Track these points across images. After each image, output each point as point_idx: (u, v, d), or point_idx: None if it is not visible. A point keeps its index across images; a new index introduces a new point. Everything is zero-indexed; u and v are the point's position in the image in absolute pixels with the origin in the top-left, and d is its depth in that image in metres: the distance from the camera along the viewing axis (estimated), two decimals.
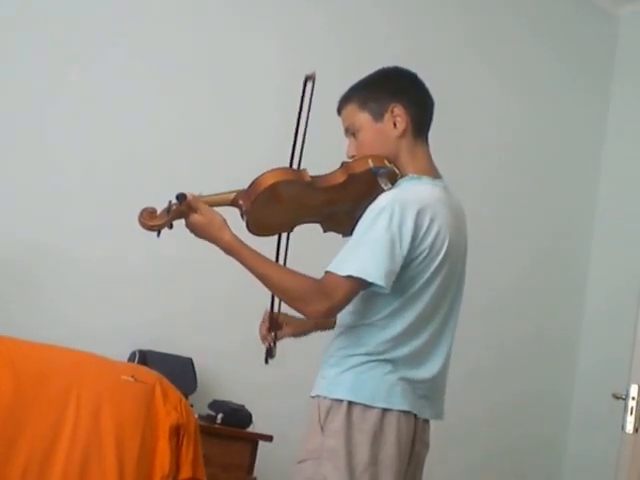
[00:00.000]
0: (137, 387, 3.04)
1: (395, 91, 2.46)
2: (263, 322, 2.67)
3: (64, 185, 3.84)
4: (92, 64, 3.94)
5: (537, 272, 5.15)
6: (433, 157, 2.51)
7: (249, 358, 4.09)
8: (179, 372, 3.69)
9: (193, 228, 2.38)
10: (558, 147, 5.28)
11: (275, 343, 2.66)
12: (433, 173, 2.46)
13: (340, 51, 4.47)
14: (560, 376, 5.16)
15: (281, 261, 2.52)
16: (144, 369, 3.28)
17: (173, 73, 4.13)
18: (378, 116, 2.44)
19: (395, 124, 2.44)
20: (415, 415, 2.36)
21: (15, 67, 3.79)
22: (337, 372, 2.34)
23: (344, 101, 2.51)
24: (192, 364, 3.86)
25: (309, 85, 2.49)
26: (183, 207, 2.35)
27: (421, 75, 2.54)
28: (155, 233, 2.37)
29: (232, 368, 4.10)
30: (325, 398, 2.33)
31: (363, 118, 2.45)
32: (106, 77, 3.96)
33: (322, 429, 2.30)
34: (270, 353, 2.66)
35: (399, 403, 2.31)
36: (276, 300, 2.59)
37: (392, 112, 2.44)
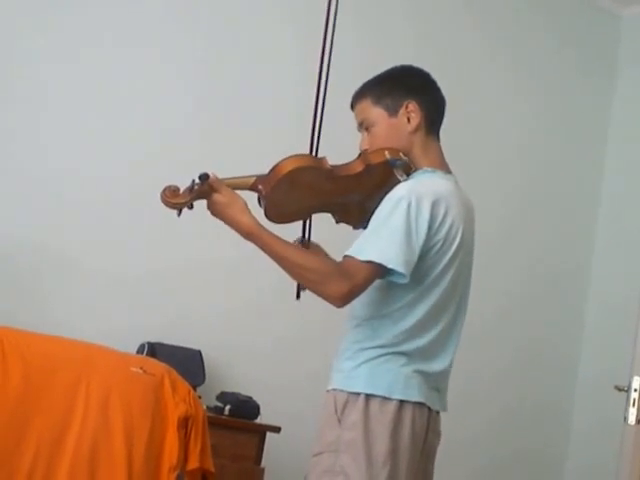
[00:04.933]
0: (146, 379, 3.06)
1: (410, 88, 2.51)
2: None
3: (75, 181, 3.87)
4: (107, 54, 3.98)
5: (540, 264, 5.15)
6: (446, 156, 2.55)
7: (258, 350, 4.17)
8: (188, 364, 3.71)
9: (214, 208, 2.38)
10: (561, 149, 5.27)
11: None
12: (444, 168, 2.51)
13: (356, 48, 4.49)
14: (563, 369, 5.17)
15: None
16: (153, 361, 3.30)
17: (188, 59, 4.16)
18: (392, 111, 2.48)
19: (409, 119, 2.48)
20: (428, 407, 2.37)
21: (26, 64, 3.84)
22: (352, 365, 2.35)
23: (358, 96, 2.55)
24: (201, 356, 3.89)
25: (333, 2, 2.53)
26: (205, 187, 2.34)
27: (433, 74, 2.58)
28: (176, 212, 2.36)
29: (240, 360, 4.13)
30: (342, 391, 2.33)
31: (377, 113, 2.49)
32: (117, 71, 4.00)
33: (339, 422, 2.31)
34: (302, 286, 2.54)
35: (415, 395, 2.33)
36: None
37: (406, 108, 2.48)
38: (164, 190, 2.34)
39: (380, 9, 4.65)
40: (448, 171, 2.51)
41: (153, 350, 3.73)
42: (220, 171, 2.42)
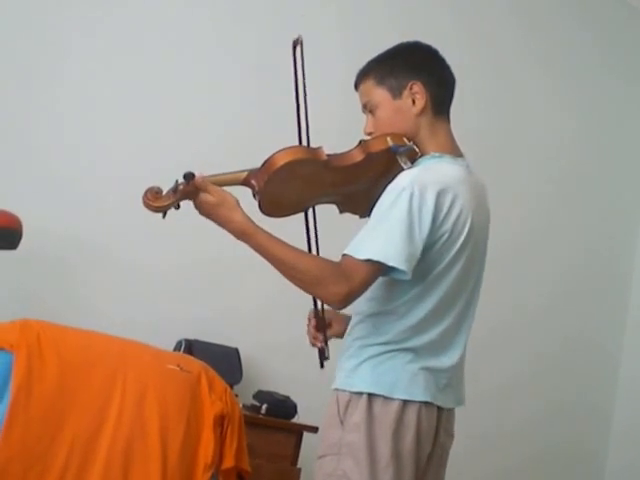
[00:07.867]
0: (182, 376, 3.04)
1: (414, 67, 2.38)
2: (309, 323, 2.56)
3: (112, 174, 3.87)
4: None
5: (583, 260, 5.11)
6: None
7: (296, 349, 4.13)
8: (225, 362, 3.70)
9: (202, 208, 2.28)
10: (601, 150, 5.22)
11: (327, 343, 2.52)
12: (454, 151, 2.38)
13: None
14: (604, 366, 5.13)
15: (312, 245, 2.45)
16: (190, 358, 3.28)
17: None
18: (396, 93, 2.36)
19: (414, 101, 2.36)
20: (438, 406, 2.28)
21: (59, 55, 3.84)
22: (355, 363, 2.26)
23: (362, 76, 2.43)
24: (238, 354, 3.87)
25: (298, 50, 2.39)
26: (191, 187, 2.24)
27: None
28: (160, 215, 2.26)
29: (278, 359, 4.11)
30: (344, 391, 2.26)
31: (381, 94, 2.37)
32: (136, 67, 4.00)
33: (341, 423, 2.23)
34: (324, 355, 2.53)
35: (420, 394, 2.23)
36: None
37: (411, 89, 2.36)
38: (145, 193, 2.24)
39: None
40: (458, 154, 2.38)
41: (190, 347, 3.72)
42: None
